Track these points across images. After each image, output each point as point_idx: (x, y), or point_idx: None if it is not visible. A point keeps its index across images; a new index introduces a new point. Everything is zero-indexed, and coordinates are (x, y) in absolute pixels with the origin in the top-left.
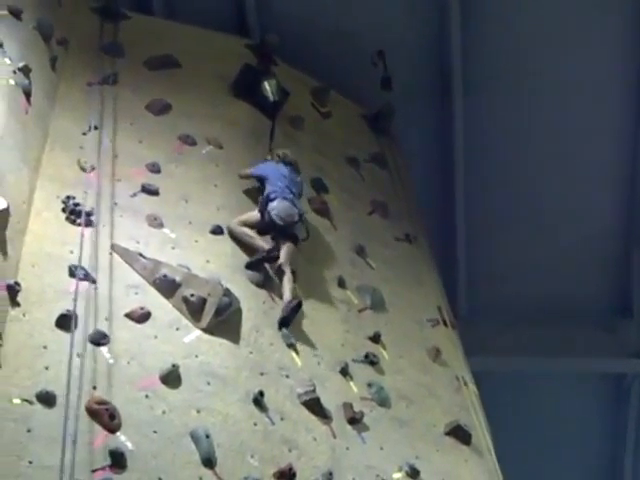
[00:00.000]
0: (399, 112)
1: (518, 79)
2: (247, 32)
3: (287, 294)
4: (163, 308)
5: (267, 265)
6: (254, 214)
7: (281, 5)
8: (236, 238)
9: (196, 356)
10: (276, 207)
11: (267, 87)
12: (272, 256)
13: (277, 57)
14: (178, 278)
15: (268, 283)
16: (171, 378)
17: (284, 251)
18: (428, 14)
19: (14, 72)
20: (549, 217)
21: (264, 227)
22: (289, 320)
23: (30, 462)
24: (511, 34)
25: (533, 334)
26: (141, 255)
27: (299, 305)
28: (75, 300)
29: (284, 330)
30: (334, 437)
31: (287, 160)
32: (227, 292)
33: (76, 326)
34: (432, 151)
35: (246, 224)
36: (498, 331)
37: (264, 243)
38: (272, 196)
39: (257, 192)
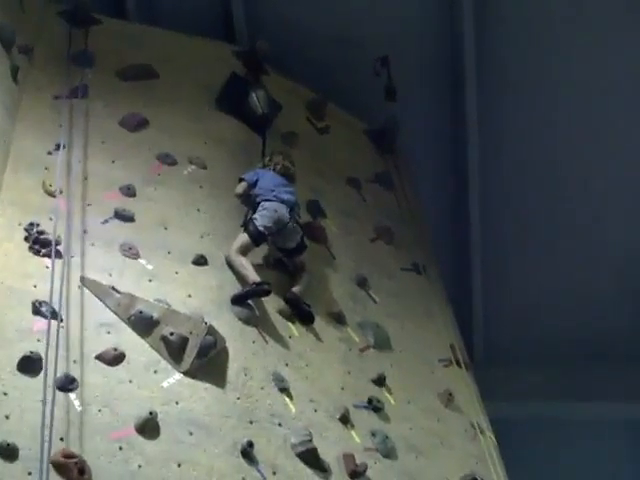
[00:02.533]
0: (405, 126)
1: (542, 87)
2: (234, 38)
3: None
4: (139, 349)
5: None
6: (244, 235)
7: (272, 8)
8: (233, 270)
9: (176, 402)
10: (259, 213)
11: (255, 99)
12: (261, 289)
13: (268, 66)
14: (156, 315)
15: (258, 320)
16: (148, 427)
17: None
18: (437, 15)
19: None
20: (577, 244)
21: (257, 241)
22: (241, 300)
23: None
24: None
25: (559, 376)
26: (114, 289)
27: (263, 292)
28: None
29: (235, 307)
30: None
31: (281, 171)
32: (211, 330)
33: (41, 370)
34: (443, 170)
35: (245, 250)
36: (519, 372)
37: (256, 275)
38: (258, 199)
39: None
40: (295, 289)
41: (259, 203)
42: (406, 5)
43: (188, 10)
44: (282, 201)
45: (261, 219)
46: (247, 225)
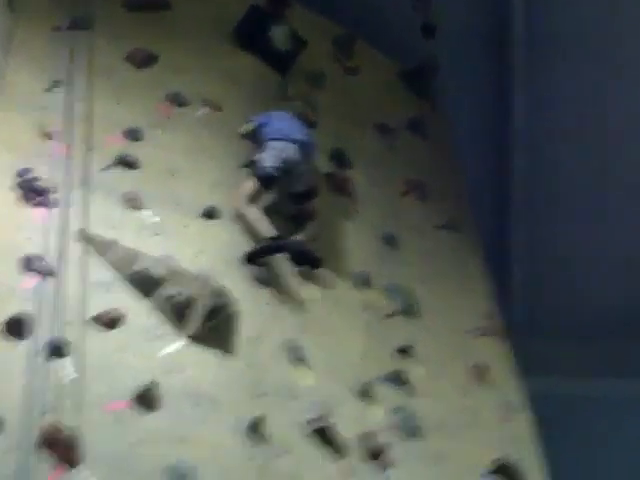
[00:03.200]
0: (445, 69)
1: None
2: None
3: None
4: (140, 310)
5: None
6: (249, 182)
7: None
8: (243, 223)
9: (180, 371)
10: (265, 153)
11: (278, 35)
12: (278, 245)
13: None
14: (161, 272)
15: (272, 280)
16: (148, 399)
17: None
18: None
19: None
20: (630, 205)
21: (267, 184)
22: (256, 258)
23: None
24: None
25: (606, 349)
26: (116, 243)
27: (280, 248)
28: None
29: (248, 267)
30: (351, 475)
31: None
32: (221, 291)
33: (31, 332)
34: (485, 119)
35: (255, 198)
36: (564, 345)
37: (271, 228)
38: (263, 138)
39: None
40: (297, 237)
41: (264, 143)
42: None
43: None
44: (292, 140)
45: (267, 158)
46: (252, 168)
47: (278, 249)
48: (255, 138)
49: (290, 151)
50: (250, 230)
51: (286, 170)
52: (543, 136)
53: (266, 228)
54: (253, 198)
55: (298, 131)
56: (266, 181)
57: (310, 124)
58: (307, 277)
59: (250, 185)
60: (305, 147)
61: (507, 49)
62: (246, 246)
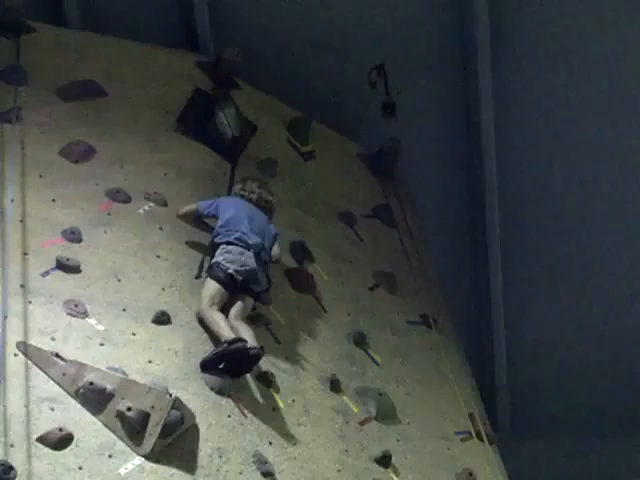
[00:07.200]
0: (408, 148)
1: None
2: (197, 46)
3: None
4: (90, 428)
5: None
6: (210, 282)
7: (241, 11)
8: (205, 329)
9: None
10: (222, 256)
11: (224, 119)
12: (235, 349)
13: (239, 79)
14: (110, 386)
15: (234, 389)
16: None
17: (239, 306)
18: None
19: None
20: (613, 289)
21: (227, 285)
22: (213, 365)
23: None
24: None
25: (605, 450)
26: (58, 356)
27: (238, 352)
28: None
29: (205, 375)
30: None
31: (254, 200)
32: (177, 403)
33: None
34: (454, 201)
35: (216, 301)
36: (555, 446)
37: (230, 332)
38: (217, 239)
39: None
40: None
41: (219, 245)
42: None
43: (141, 15)
44: (247, 246)
45: (227, 262)
46: (210, 270)
47: (236, 353)
48: (197, 222)
49: (247, 256)
50: (211, 335)
51: (244, 277)
52: (516, 205)
53: (226, 332)
54: (216, 301)
55: (252, 231)
56: (226, 282)
57: (269, 212)
58: (271, 384)
59: (210, 286)
60: (259, 250)
61: (475, 125)
62: (201, 353)
